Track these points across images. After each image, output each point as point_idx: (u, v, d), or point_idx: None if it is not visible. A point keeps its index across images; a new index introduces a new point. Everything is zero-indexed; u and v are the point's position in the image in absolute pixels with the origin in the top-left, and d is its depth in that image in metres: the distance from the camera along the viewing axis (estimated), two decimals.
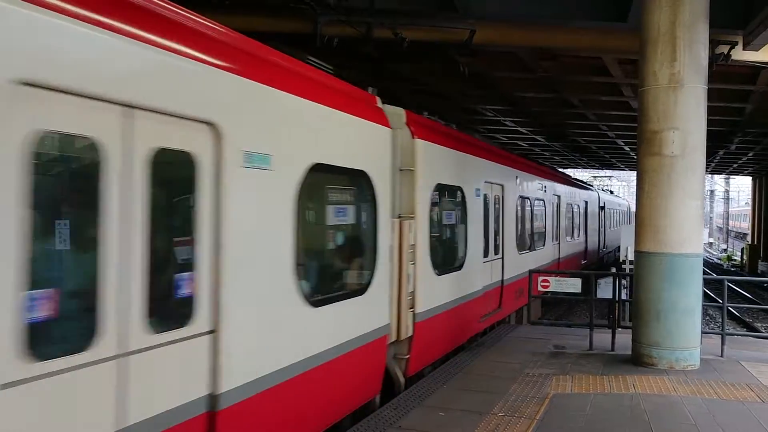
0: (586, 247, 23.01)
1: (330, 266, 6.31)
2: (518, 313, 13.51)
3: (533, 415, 6.33)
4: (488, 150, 11.36)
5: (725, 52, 10.56)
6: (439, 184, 8.41)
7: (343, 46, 10.24)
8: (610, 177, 62.27)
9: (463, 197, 9.50)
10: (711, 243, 62.92)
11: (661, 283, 8.38)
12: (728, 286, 10.48)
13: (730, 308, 11.26)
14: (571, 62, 14.03)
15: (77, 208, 3.43)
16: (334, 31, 9.72)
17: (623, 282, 13.45)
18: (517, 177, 12.90)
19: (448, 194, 9.05)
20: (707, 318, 19.43)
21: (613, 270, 18.05)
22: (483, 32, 10.30)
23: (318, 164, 5.38)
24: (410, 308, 7.43)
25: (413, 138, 7.58)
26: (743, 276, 31.16)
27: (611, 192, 40.80)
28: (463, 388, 7.34)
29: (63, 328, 3.19)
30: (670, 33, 8.26)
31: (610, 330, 9.89)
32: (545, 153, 32.26)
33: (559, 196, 17.68)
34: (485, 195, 10.69)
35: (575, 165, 41.49)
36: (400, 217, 7.24)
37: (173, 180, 4.01)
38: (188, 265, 3.97)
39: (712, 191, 61.85)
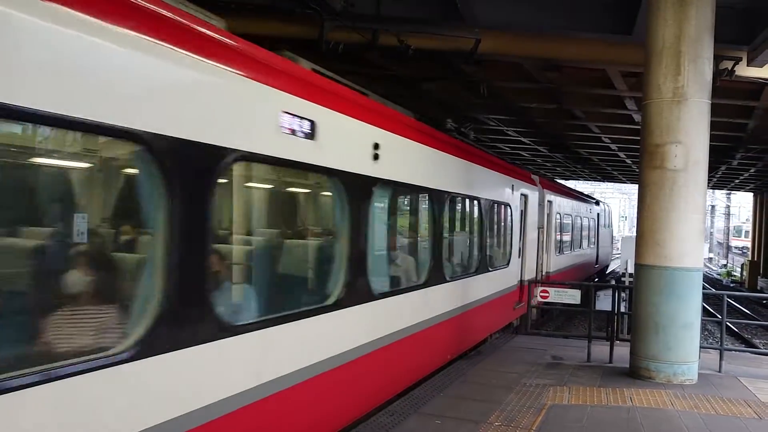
0: None
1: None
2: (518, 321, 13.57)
3: (530, 426, 6.33)
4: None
5: (729, 68, 10.57)
6: None
7: (348, 52, 10.27)
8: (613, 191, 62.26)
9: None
10: (711, 258, 62.81)
11: (660, 297, 8.37)
12: (727, 301, 10.46)
13: (728, 323, 11.21)
14: (575, 74, 14.04)
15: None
16: (339, 37, 9.74)
17: (622, 294, 13.46)
18: None
19: None
20: (706, 333, 19.35)
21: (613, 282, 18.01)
22: (488, 42, 10.31)
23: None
24: None
25: None
26: (742, 292, 31.05)
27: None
28: (460, 397, 7.33)
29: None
30: (674, 47, 8.28)
31: (609, 342, 9.89)
32: (547, 164, 32.30)
33: None
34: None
35: (577, 177, 41.49)
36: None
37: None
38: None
39: (713, 206, 61.74)
